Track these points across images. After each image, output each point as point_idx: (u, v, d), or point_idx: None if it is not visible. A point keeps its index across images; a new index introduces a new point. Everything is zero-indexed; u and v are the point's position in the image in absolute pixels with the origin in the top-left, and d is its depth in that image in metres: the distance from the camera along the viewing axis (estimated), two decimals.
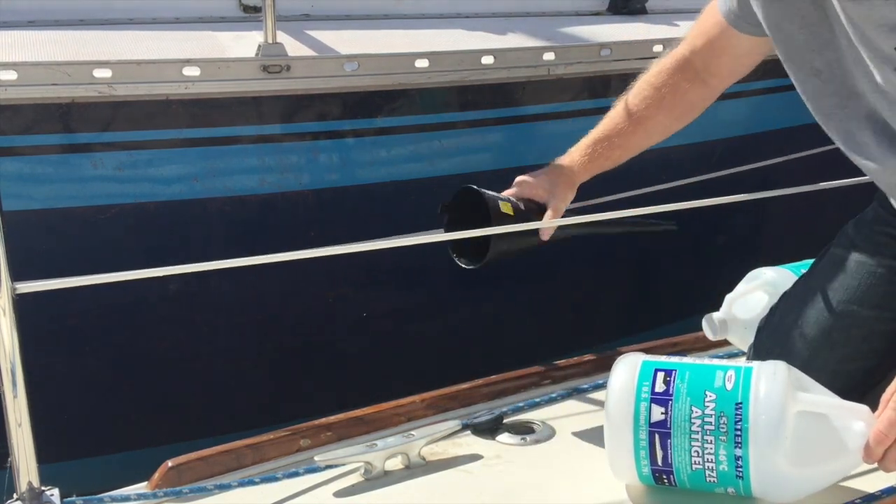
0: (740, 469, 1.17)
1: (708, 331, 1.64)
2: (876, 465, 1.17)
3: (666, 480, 1.23)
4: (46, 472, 1.17)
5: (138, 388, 2.47)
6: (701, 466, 1.19)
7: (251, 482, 1.31)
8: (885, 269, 1.46)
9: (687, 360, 1.28)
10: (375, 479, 1.33)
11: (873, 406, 1.19)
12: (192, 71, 2.29)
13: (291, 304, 2.58)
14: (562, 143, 2.89)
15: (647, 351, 1.65)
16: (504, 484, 1.32)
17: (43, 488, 1.16)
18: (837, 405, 1.21)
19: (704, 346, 1.74)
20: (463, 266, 1.76)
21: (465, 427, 1.44)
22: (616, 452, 1.24)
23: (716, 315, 1.64)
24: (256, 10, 2.68)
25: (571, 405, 1.56)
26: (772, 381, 1.18)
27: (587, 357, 1.70)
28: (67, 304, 2.25)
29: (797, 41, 1.39)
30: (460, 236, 1.70)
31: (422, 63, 2.54)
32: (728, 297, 1.66)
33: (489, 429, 1.45)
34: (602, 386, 1.59)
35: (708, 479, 1.20)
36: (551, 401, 1.56)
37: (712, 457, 1.18)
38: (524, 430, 1.46)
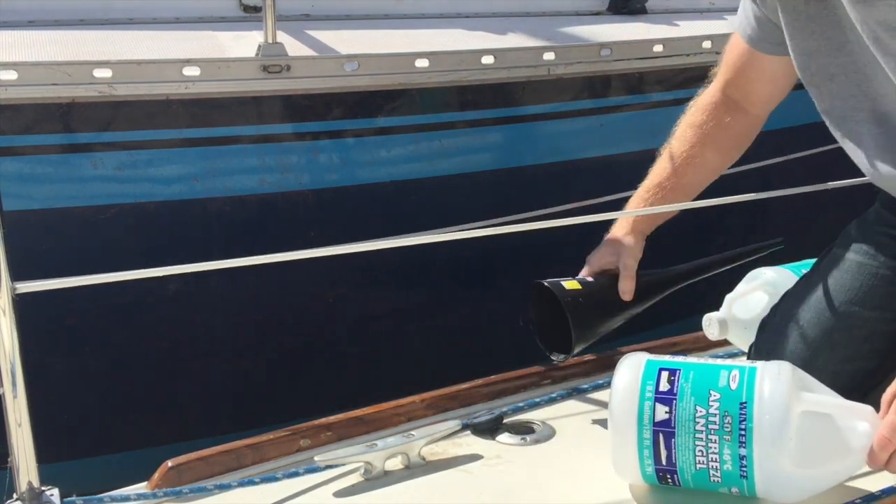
0: (744, 469, 1.17)
1: (708, 331, 1.64)
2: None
3: (670, 480, 1.23)
4: (46, 472, 1.16)
5: (138, 388, 2.47)
6: (705, 466, 1.19)
7: (251, 482, 1.31)
8: (887, 269, 1.46)
9: (690, 359, 1.27)
10: (375, 479, 1.32)
11: (875, 407, 1.19)
12: (192, 71, 2.29)
13: (291, 304, 2.58)
14: (562, 143, 2.91)
15: (647, 351, 1.65)
16: (504, 484, 1.32)
17: (43, 488, 1.16)
18: (841, 405, 1.20)
19: (704, 346, 1.74)
20: (558, 361, 1.66)
21: (465, 427, 1.44)
22: (620, 451, 1.23)
23: (716, 315, 1.64)
24: (256, 10, 2.68)
25: (571, 405, 1.55)
26: (776, 380, 1.18)
27: (587, 357, 1.70)
28: (67, 304, 2.25)
29: (811, 47, 1.39)
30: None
31: (422, 63, 2.54)
32: (728, 297, 1.66)
33: (489, 429, 1.45)
34: (602, 386, 1.59)
35: (712, 478, 1.20)
36: (551, 401, 1.56)
37: (716, 456, 1.18)
38: (524, 430, 1.46)
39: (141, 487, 1.31)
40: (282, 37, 2.42)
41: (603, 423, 1.46)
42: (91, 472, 2.31)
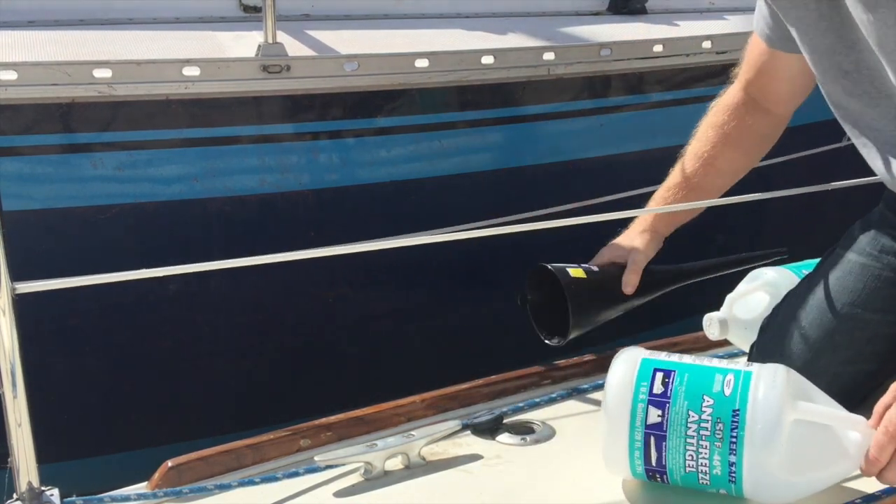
0: (733, 475, 1.17)
1: (708, 331, 1.64)
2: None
3: (659, 479, 1.23)
4: (46, 472, 1.16)
5: (138, 388, 2.47)
6: (694, 469, 1.20)
7: (251, 482, 1.31)
8: (891, 272, 1.45)
9: (687, 359, 1.27)
10: (375, 479, 1.32)
11: (872, 410, 1.19)
12: (192, 71, 2.29)
13: (291, 304, 2.58)
14: (562, 143, 2.91)
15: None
16: (504, 484, 1.32)
17: (43, 488, 1.16)
18: (834, 416, 1.20)
19: (704, 346, 1.74)
20: (554, 345, 1.68)
21: (465, 427, 1.44)
22: (611, 449, 1.24)
23: (716, 315, 1.64)
24: (256, 10, 2.68)
25: (571, 405, 1.55)
26: (770, 388, 1.17)
27: (587, 357, 1.70)
28: (68, 304, 2.25)
29: (823, 46, 1.39)
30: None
31: (422, 63, 2.54)
32: (729, 297, 1.66)
33: (489, 429, 1.45)
34: (602, 386, 1.58)
35: (700, 480, 1.20)
36: (551, 401, 1.56)
37: (706, 461, 1.18)
38: (524, 430, 1.46)
39: (141, 487, 1.31)
40: (282, 37, 2.42)
41: None
42: (91, 472, 2.31)
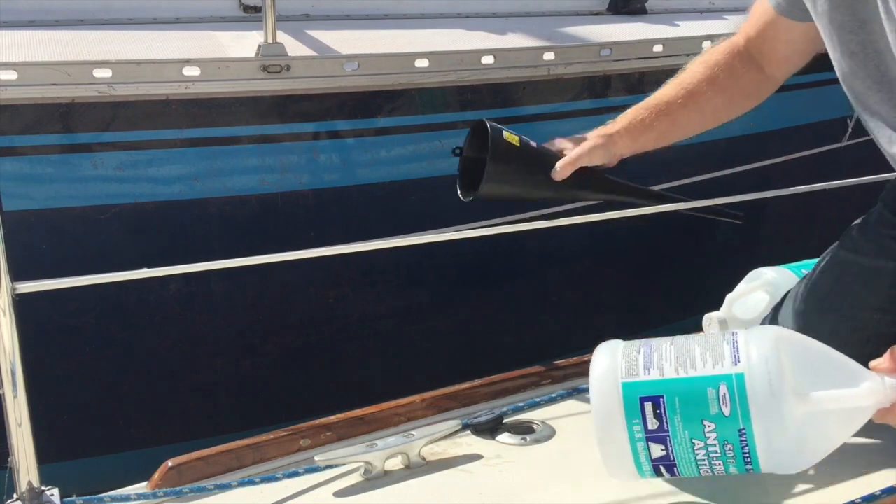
0: (750, 470, 1.16)
1: (708, 330, 1.64)
2: (876, 468, 1.18)
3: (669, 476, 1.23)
4: (46, 472, 1.16)
5: (138, 388, 2.47)
6: (710, 475, 1.19)
7: (251, 482, 1.31)
8: (888, 272, 1.45)
9: (664, 348, 1.19)
10: (375, 479, 1.32)
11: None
12: (192, 71, 2.29)
13: (291, 304, 2.58)
14: None
15: None
16: (504, 484, 1.32)
17: (43, 488, 1.16)
18: (842, 395, 1.14)
19: None
20: (462, 199, 1.66)
21: (465, 427, 1.44)
22: (616, 471, 1.22)
23: (716, 314, 1.64)
24: (256, 10, 2.68)
25: (571, 405, 1.55)
26: (770, 396, 1.11)
27: (587, 357, 1.68)
28: (68, 304, 2.25)
29: (836, 20, 1.38)
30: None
31: (422, 63, 2.54)
32: (728, 296, 1.66)
33: (489, 429, 1.45)
34: None
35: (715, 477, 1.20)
36: (551, 401, 1.56)
37: (722, 471, 1.17)
38: (524, 430, 1.46)
39: (141, 487, 1.31)
40: (282, 37, 2.42)
41: None
42: (91, 472, 2.31)
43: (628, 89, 2.92)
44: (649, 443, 1.16)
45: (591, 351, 1.57)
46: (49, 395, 2.29)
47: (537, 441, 1.43)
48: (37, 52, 2.30)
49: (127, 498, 1.27)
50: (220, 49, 2.46)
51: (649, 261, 3.08)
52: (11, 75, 2.14)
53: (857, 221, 1.56)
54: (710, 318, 1.64)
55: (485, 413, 1.48)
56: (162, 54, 2.35)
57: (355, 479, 1.33)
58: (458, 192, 1.67)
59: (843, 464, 1.29)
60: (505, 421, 1.47)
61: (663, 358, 1.18)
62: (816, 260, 1.61)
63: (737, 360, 1.15)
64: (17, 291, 1.10)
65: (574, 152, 1.59)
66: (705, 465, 1.15)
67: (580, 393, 1.58)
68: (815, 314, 1.47)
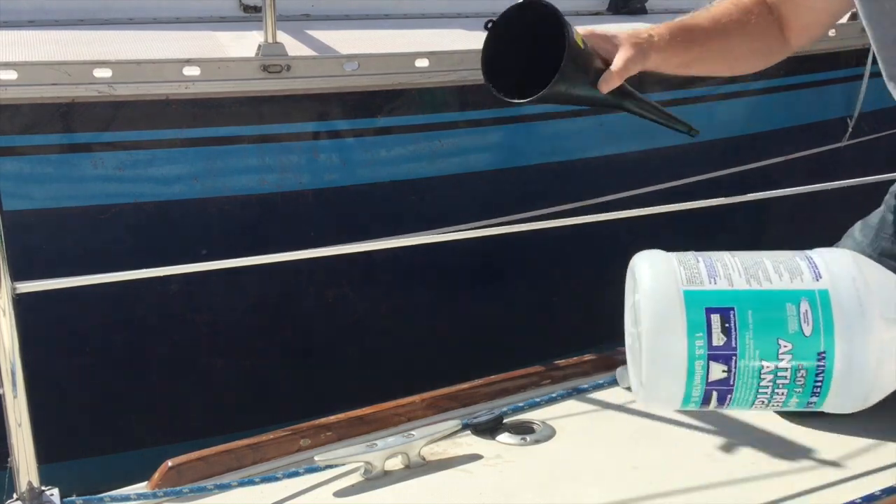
0: (812, 406, 1.06)
1: None
2: (876, 468, 1.17)
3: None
4: (46, 472, 1.16)
5: (138, 388, 2.47)
6: (764, 408, 1.05)
7: (251, 482, 1.30)
8: None
9: (727, 259, 1.06)
10: (375, 479, 1.32)
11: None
12: (192, 71, 2.29)
13: (291, 304, 2.58)
14: (562, 143, 2.91)
15: None
16: (504, 484, 1.32)
17: (43, 488, 1.16)
18: None
19: None
20: (505, 98, 1.43)
21: (465, 427, 1.44)
22: (654, 393, 1.06)
23: None
24: (256, 9, 2.69)
25: (571, 405, 1.55)
26: (859, 320, 0.99)
27: (587, 357, 1.69)
28: (68, 303, 2.25)
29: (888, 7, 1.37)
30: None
31: (422, 63, 2.54)
32: None
33: (489, 429, 1.44)
34: (602, 386, 1.59)
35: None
36: (551, 401, 1.56)
37: (780, 403, 1.04)
38: (524, 430, 1.46)
39: (141, 487, 1.31)
40: (282, 37, 2.42)
41: (603, 422, 1.46)
42: (91, 472, 2.31)
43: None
44: (710, 361, 1.01)
45: (591, 351, 1.57)
46: (49, 395, 2.29)
47: (537, 441, 1.43)
48: (37, 52, 2.30)
49: (127, 498, 1.27)
50: (220, 49, 2.46)
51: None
52: (11, 75, 2.15)
53: (859, 223, 1.56)
54: None
55: (485, 413, 1.48)
56: (162, 54, 2.35)
57: (355, 479, 1.33)
58: (490, 84, 1.45)
59: (843, 464, 1.29)
60: (505, 421, 1.47)
61: (730, 268, 1.05)
62: None
63: (818, 276, 1.02)
64: (17, 291, 1.10)
65: (620, 63, 1.48)
66: (766, 394, 1.02)
67: (580, 393, 1.58)
68: None
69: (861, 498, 1.21)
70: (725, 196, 1.73)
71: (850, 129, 3.12)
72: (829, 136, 3.19)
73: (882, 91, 1.50)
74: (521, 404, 1.53)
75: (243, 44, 2.48)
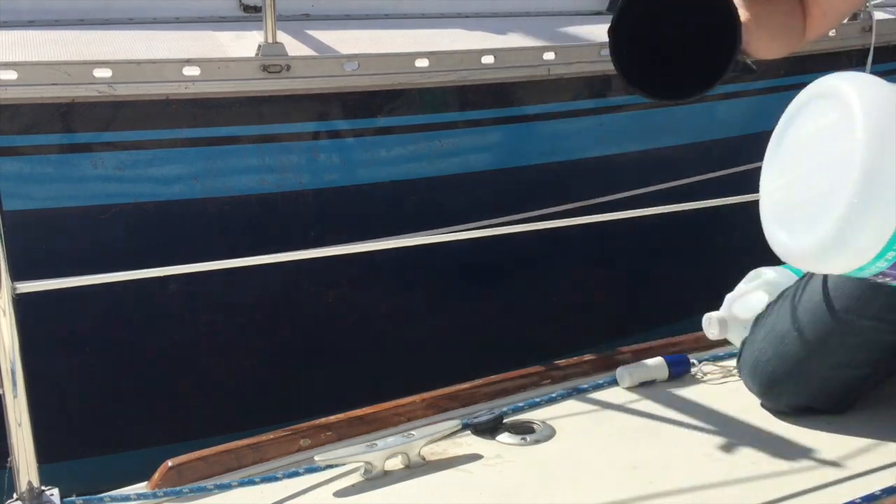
0: None
1: (708, 330, 1.64)
2: (876, 468, 1.17)
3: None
4: (46, 472, 1.17)
5: (138, 388, 2.47)
6: None
7: (251, 482, 1.31)
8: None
9: None
10: (375, 479, 1.32)
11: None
12: (192, 71, 2.29)
13: (291, 304, 2.58)
14: (562, 143, 2.91)
15: (645, 351, 1.65)
16: (504, 484, 1.32)
17: (43, 488, 1.16)
18: None
19: (705, 345, 1.74)
20: (658, 97, 1.23)
21: (465, 427, 1.44)
22: (838, 258, 0.92)
23: (715, 314, 1.64)
24: (256, 9, 2.68)
25: (571, 405, 1.55)
26: None
27: (587, 357, 1.70)
28: (68, 303, 2.25)
29: None
30: None
31: (422, 63, 2.54)
32: (728, 296, 1.66)
33: (489, 429, 1.45)
34: (602, 386, 1.59)
35: None
36: (551, 401, 1.56)
37: None
38: (524, 430, 1.46)
39: (141, 487, 1.31)
40: (282, 37, 2.42)
41: (603, 422, 1.46)
42: (91, 472, 2.31)
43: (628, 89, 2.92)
44: None
45: (591, 351, 1.57)
46: (49, 395, 2.30)
47: (537, 441, 1.43)
48: (37, 52, 2.30)
49: (127, 498, 1.27)
50: (220, 49, 2.46)
51: (650, 260, 3.08)
52: (11, 75, 2.15)
53: None
54: (709, 318, 1.64)
55: (485, 413, 1.48)
56: (162, 54, 2.35)
57: (355, 479, 1.33)
58: (625, 75, 1.25)
59: (843, 464, 1.30)
60: (505, 421, 1.47)
61: None
62: None
63: None
64: (17, 291, 1.10)
65: (747, 20, 1.29)
66: None
67: (580, 393, 1.58)
68: (809, 315, 1.47)
69: (861, 498, 1.22)
70: (725, 196, 1.74)
71: None
72: None
73: None
74: (521, 404, 1.53)
75: (243, 44, 2.48)
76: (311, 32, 2.62)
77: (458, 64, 2.59)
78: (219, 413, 2.53)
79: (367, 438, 1.41)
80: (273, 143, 2.48)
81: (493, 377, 1.61)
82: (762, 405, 1.47)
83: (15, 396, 1.12)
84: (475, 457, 1.39)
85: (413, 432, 1.38)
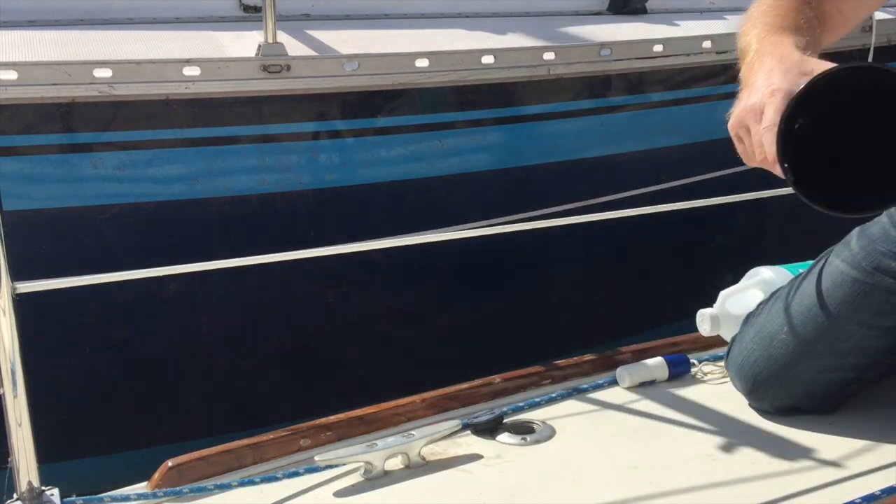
0: None
1: (701, 326, 1.64)
2: (876, 468, 1.17)
3: None
4: (46, 472, 1.16)
5: (138, 388, 2.47)
6: None
7: (251, 482, 1.30)
8: (882, 290, 1.44)
9: None
10: (375, 479, 1.32)
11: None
12: (192, 71, 2.29)
13: (291, 304, 2.58)
14: (562, 143, 2.91)
15: (645, 351, 1.65)
16: (504, 484, 1.32)
17: (43, 488, 1.16)
18: None
19: (705, 345, 1.73)
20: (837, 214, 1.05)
21: (465, 427, 1.44)
22: None
23: (708, 311, 1.64)
24: (256, 9, 2.68)
25: (571, 405, 1.55)
26: None
27: (587, 357, 1.69)
28: (68, 303, 2.25)
29: None
30: None
31: (422, 63, 2.54)
32: (722, 293, 1.66)
33: (489, 429, 1.45)
34: (602, 386, 1.59)
35: None
36: (551, 401, 1.56)
37: None
38: (524, 430, 1.46)
39: (141, 487, 1.31)
40: (282, 37, 2.42)
41: (603, 422, 1.46)
42: (91, 472, 2.31)
43: (628, 89, 2.92)
44: None
45: (591, 351, 1.57)
46: (49, 395, 2.30)
47: (537, 441, 1.43)
48: (37, 52, 2.30)
49: (127, 498, 1.27)
50: (220, 49, 2.46)
51: (649, 260, 3.08)
52: (11, 75, 2.15)
53: (856, 230, 1.54)
54: (702, 314, 1.64)
55: (485, 413, 1.48)
56: (162, 54, 2.35)
57: (355, 479, 1.33)
58: (802, 190, 1.08)
59: (843, 464, 1.30)
60: (505, 421, 1.47)
61: None
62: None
63: None
64: (17, 291, 1.10)
65: None
66: None
67: (580, 393, 1.58)
68: (800, 317, 1.47)
69: (861, 498, 1.22)
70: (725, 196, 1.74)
71: None
72: None
73: None
74: (521, 404, 1.53)
75: (243, 44, 2.47)
76: (311, 32, 2.62)
77: (458, 64, 2.59)
78: (219, 413, 2.53)
79: (367, 438, 1.41)
80: (273, 143, 2.48)
81: (493, 377, 1.61)
82: (749, 405, 1.47)
83: (15, 396, 1.12)
84: (475, 457, 1.39)
85: (413, 432, 1.38)
